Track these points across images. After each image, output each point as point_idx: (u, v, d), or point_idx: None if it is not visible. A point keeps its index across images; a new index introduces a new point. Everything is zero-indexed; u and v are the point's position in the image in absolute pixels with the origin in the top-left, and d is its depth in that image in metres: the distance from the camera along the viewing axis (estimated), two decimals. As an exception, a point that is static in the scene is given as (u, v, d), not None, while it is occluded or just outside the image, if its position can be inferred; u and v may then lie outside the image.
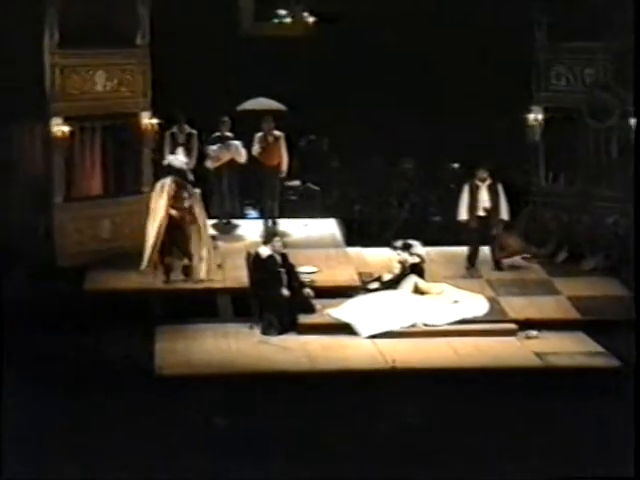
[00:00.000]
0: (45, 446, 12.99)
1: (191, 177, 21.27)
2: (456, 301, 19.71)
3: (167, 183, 20.68)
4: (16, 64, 20.78)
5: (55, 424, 14.35)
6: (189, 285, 20.55)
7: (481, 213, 21.48)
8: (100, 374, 16.98)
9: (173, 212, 20.24)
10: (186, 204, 20.44)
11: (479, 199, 21.51)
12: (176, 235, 20.44)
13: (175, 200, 20.32)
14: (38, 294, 20.05)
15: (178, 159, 21.53)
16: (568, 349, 18.51)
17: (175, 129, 22.99)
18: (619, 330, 18.53)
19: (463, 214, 21.68)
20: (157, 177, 22.14)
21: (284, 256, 19.65)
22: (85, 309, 19.73)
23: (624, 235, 21.36)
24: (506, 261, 21.90)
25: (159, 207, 20.40)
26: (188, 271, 20.57)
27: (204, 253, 20.69)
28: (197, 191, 20.97)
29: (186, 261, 20.58)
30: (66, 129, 21.14)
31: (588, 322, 19.32)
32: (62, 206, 21.43)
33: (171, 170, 20.95)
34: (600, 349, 18.31)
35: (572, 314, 19.80)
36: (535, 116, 22.75)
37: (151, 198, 20.90)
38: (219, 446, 13.74)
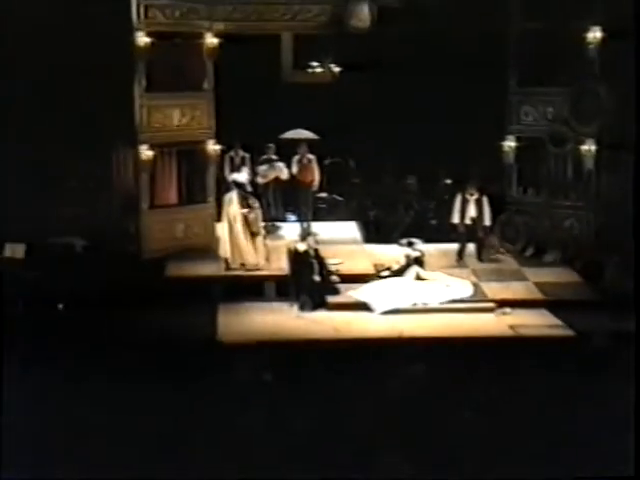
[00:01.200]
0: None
1: (250, 189, 21.59)
2: (448, 285, 20.08)
3: (234, 194, 21.03)
4: (113, 104, 21.24)
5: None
6: (244, 273, 20.81)
7: (468, 221, 21.81)
8: (176, 340, 17.55)
9: (242, 215, 20.66)
10: (247, 210, 20.71)
11: (467, 209, 21.81)
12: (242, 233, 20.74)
13: (241, 207, 20.67)
14: (129, 279, 20.30)
15: (241, 176, 21.72)
16: (534, 322, 18.89)
17: (232, 153, 23.46)
18: (573, 307, 19.23)
19: (455, 219, 22.02)
20: (219, 190, 22.59)
21: (316, 250, 20.14)
22: (165, 291, 20.00)
23: (577, 235, 22.05)
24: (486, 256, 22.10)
25: (230, 213, 20.76)
26: (244, 262, 20.85)
27: (258, 248, 21.02)
28: (255, 200, 21.22)
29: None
30: (150, 153, 21.66)
31: (549, 302, 19.74)
32: (147, 212, 21.91)
33: (236, 184, 21.22)
34: (559, 322, 18.66)
35: (537, 296, 20.20)
36: (509, 144, 22.97)
37: (223, 206, 21.26)
38: (267, 395, 14.16)
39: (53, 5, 20.75)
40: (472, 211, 21.94)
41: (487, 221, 22.06)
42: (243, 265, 20.95)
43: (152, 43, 21.39)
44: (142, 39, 21.25)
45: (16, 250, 20.72)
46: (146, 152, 21.64)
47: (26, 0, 20.97)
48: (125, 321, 18.58)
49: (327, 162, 24.44)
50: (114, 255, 21.39)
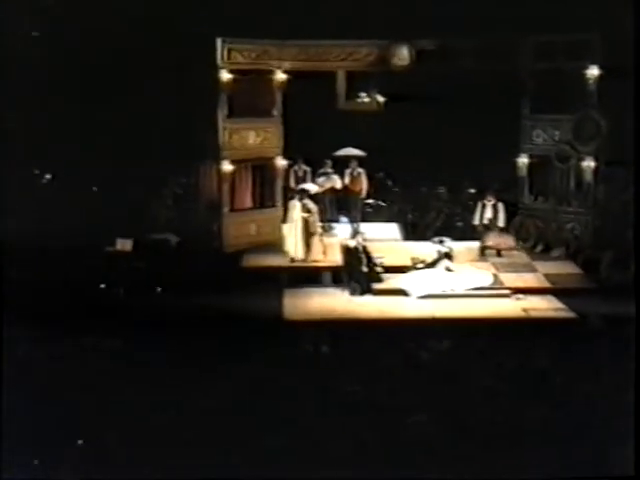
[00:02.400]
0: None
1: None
2: (472, 275, 20.06)
3: (297, 201, 21.26)
4: (202, 128, 21.60)
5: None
6: (305, 264, 21.01)
7: (485, 222, 22.02)
8: (250, 317, 17.60)
9: (303, 217, 20.93)
10: (308, 214, 20.96)
11: (485, 213, 22.03)
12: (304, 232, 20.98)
13: (302, 211, 20.94)
14: (213, 269, 20.50)
15: (308, 185, 22.23)
16: (543, 306, 18.83)
17: (296, 167, 23.59)
18: (575, 294, 19.20)
19: (475, 221, 22.23)
20: (285, 197, 22.70)
21: (364, 246, 20.20)
22: (242, 278, 20.26)
23: (578, 235, 22.03)
24: (503, 252, 22.01)
25: (293, 216, 21.08)
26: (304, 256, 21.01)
27: (316, 244, 21.23)
28: (314, 205, 21.44)
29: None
30: (230, 167, 21.88)
31: (555, 289, 19.68)
32: (227, 214, 22.07)
33: (302, 192, 21.55)
34: (563, 306, 18.60)
35: (545, 284, 20.13)
36: (522, 160, 22.99)
37: (288, 210, 21.50)
38: (323, 363, 14.35)
39: (155, 49, 21.12)
40: (489, 214, 22.06)
41: (501, 223, 22.11)
42: (293, 260, 21.06)
43: (233, 79, 21.62)
44: (225, 75, 21.50)
45: (125, 244, 21.42)
46: (227, 166, 21.85)
47: (131, 43, 21.43)
48: (210, 302, 18.63)
49: (374, 176, 24.26)
50: (201, 249, 21.57)
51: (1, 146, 20.11)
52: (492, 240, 22.13)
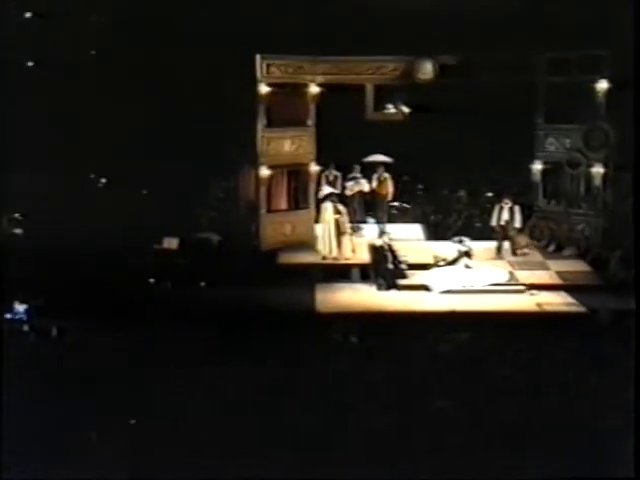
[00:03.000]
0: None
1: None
2: (489, 272, 20.00)
3: (329, 203, 21.29)
4: (242, 136, 21.54)
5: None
6: (335, 261, 20.92)
7: (502, 223, 21.78)
8: (285, 309, 17.74)
9: (335, 219, 20.90)
10: (338, 215, 20.95)
11: (502, 215, 21.78)
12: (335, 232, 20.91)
13: (333, 213, 20.95)
14: (251, 265, 20.51)
15: (334, 189, 22.36)
16: (555, 301, 18.77)
17: (327, 172, 23.52)
18: (585, 290, 19.12)
19: (493, 222, 21.97)
20: (317, 200, 22.57)
21: (390, 245, 20.17)
22: (277, 274, 20.31)
23: (588, 236, 21.85)
24: (518, 251, 21.85)
25: (325, 217, 21.13)
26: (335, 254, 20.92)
27: (346, 243, 21.12)
28: (344, 207, 21.51)
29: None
30: (268, 172, 21.77)
31: (567, 286, 19.59)
32: (265, 215, 21.98)
33: (332, 195, 21.58)
34: (574, 301, 18.53)
35: (557, 281, 20.04)
36: (536, 166, 22.77)
37: (320, 212, 21.58)
38: (351, 351, 14.25)
39: (202, 64, 21.24)
40: (505, 216, 21.85)
41: (517, 224, 21.93)
42: (324, 258, 21.00)
43: (271, 91, 21.57)
44: (263, 88, 21.43)
45: (171, 242, 21.42)
46: (265, 171, 21.77)
47: (181, 60, 21.71)
48: (248, 296, 18.70)
49: (399, 180, 24.20)
50: (240, 247, 21.57)
51: (63, 154, 20.40)
52: (523, 241, 22.04)
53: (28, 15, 19.09)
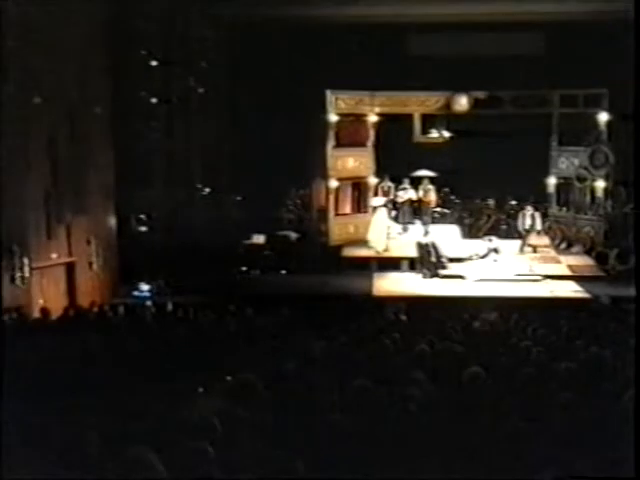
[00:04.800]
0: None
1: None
2: (513, 265, 19.87)
3: (383, 208, 21.49)
4: (315, 155, 21.71)
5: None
6: (386, 255, 20.82)
7: (526, 227, 21.68)
8: (347, 294, 17.79)
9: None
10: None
11: (525, 220, 21.70)
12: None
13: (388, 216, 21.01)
14: (321, 258, 20.78)
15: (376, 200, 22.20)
16: (565, 289, 18.57)
17: (383, 184, 23.13)
18: (589, 280, 18.98)
19: (520, 227, 21.82)
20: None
21: (433, 242, 19.96)
22: (342, 264, 20.47)
23: (592, 236, 21.46)
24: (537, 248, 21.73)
25: (379, 219, 21.20)
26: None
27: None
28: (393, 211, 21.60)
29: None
30: (335, 184, 21.70)
31: (575, 276, 19.38)
32: (333, 218, 21.85)
33: (387, 202, 21.74)
34: (581, 289, 18.34)
35: (567, 272, 19.81)
36: (551, 180, 22.65)
37: (374, 214, 21.64)
38: (401, 327, 13.57)
39: (286, 97, 21.35)
40: (528, 221, 21.71)
41: (538, 227, 21.79)
42: (378, 253, 20.85)
43: (338, 120, 21.59)
44: (332, 117, 21.44)
45: (259, 238, 21.37)
46: (333, 183, 21.68)
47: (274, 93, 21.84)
48: (318, 282, 18.76)
49: (440, 191, 24.06)
50: (313, 243, 21.61)
51: (176, 170, 20.79)
52: (534, 240, 21.80)
53: (154, 63, 19.44)
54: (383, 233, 21.35)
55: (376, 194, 22.95)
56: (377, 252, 20.97)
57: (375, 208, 21.88)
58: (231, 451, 4.67)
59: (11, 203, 14.32)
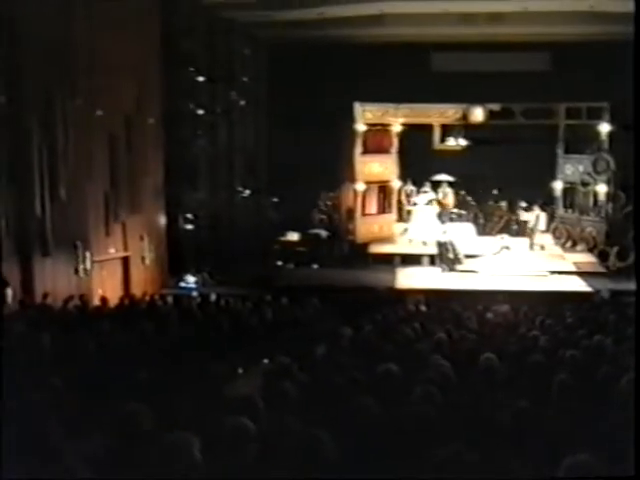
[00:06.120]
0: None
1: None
2: (523, 261, 19.78)
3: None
4: (344, 161, 21.58)
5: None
6: (411, 251, 20.81)
7: (530, 225, 21.66)
8: (373, 286, 17.54)
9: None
10: None
11: (532, 219, 21.69)
12: None
13: None
14: (350, 253, 20.94)
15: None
16: (570, 283, 18.39)
17: (405, 187, 23.17)
18: (592, 275, 18.82)
19: (529, 225, 21.77)
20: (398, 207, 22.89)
21: (451, 240, 19.84)
22: (368, 260, 20.50)
23: (594, 236, 21.22)
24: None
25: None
26: None
27: None
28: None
29: None
30: (362, 187, 21.59)
31: (579, 272, 19.20)
32: (360, 218, 21.73)
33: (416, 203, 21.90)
34: (584, 283, 18.13)
35: (572, 269, 19.57)
36: (558, 185, 22.48)
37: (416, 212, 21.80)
38: (422, 316, 13.64)
39: (320, 109, 21.31)
40: (533, 220, 21.66)
41: (542, 226, 21.76)
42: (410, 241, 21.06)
43: (365, 129, 21.51)
44: (360, 126, 21.35)
45: (293, 236, 21.37)
46: (360, 186, 21.58)
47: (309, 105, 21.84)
48: (347, 275, 18.85)
49: (457, 194, 23.87)
50: (342, 240, 21.54)
51: (219, 174, 20.88)
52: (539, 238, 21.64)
53: (201, 79, 19.62)
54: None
55: (400, 197, 22.96)
56: (424, 242, 20.97)
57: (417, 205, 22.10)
58: (268, 427, 4.69)
59: (75, 204, 14.72)
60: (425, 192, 23.14)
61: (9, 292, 11.26)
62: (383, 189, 22.45)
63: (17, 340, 7.87)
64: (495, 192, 23.95)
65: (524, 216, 22.23)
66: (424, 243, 20.80)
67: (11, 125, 13.20)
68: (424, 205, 22.02)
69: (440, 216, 23.04)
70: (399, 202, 22.99)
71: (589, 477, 3.91)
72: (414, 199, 22.56)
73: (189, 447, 3.99)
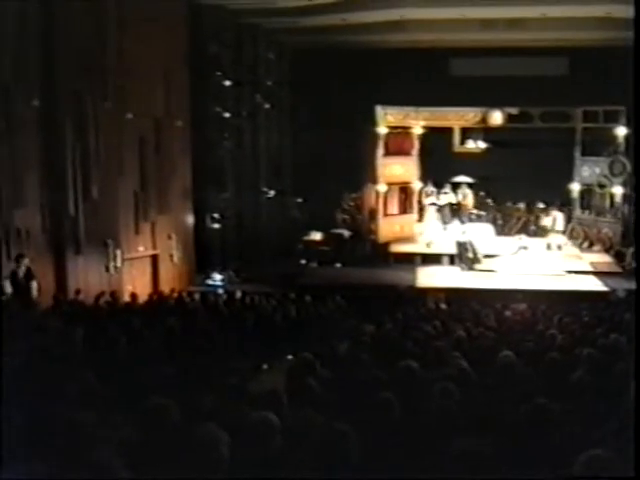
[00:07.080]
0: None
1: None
2: (540, 261, 19.62)
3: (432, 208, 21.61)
4: (366, 163, 21.48)
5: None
6: (428, 250, 20.59)
7: (547, 227, 21.63)
8: (393, 284, 17.53)
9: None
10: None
11: (548, 220, 21.61)
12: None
13: None
14: (371, 252, 20.84)
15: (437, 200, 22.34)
16: (586, 282, 18.20)
17: (426, 188, 22.95)
18: (609, 276, 18.63)
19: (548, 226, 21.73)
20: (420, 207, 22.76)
21: (470, 240, 19.78)
22: (389, 259, 20.36)
23: (610, 237, 21.13)
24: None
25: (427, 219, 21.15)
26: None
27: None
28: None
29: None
30: (384, 188, 21.45)
31: (595, 272, 19.00)
32: (382, 218, 21.55)
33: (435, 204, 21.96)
34: (600, 283, 18.00)
35: (589, 269, 19.36)
36: (575, 186, 22.34)
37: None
38: (441, 314, 13.64)
39: (343, 112, 21.30)
40: (551, 221, 21.57)
41: (559, 227, 21.65)
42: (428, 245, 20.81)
43: (387, 131, 21.36)
44: (382, 130, 21.21)
45: (316, 235, 21.31)
46: (382, 187, 21.47)
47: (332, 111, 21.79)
48: (369, 273, 18.75)
49: (477, 195, 23.74)
50: (364, 240, 21.45)
51: (245, 176, 20.95)
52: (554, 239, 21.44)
53: (227, 83, 19.66)
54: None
55: (420, 197, 22.82)
56: (427, 244, 20.87)
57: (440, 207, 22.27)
58: (292, 421, 4.69)
59: (107, 203, 14.84)
60: (445, 193, 23.04)
61: (34, 285, 11.35)
62: (404, 190, 22.31)
63: (51, 334, 7.93)
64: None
65: (544, 221, 22.20)
66: (427, 245, 20.81)
67: (45, 127, 13.34)
68: (438, 206, 22.07)
69: (459, 216, 22.93)
70: (420, 203, 22.93)
71: (588, 477, 3.81)
72: (426, 200, 22.60)
73: (217, 443, 3.98)
